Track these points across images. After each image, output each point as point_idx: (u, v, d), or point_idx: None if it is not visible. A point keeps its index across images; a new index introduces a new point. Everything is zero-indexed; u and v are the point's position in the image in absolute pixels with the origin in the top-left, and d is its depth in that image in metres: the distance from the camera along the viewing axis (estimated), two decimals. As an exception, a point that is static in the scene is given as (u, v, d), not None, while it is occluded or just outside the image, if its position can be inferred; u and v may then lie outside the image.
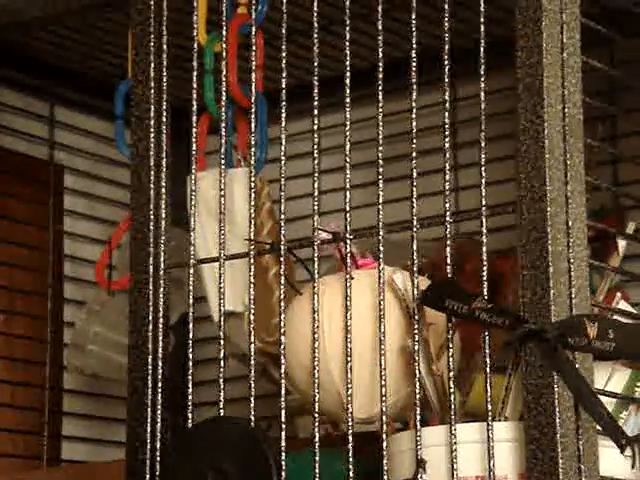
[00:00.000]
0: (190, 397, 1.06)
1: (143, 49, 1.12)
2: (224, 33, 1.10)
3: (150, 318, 1.08)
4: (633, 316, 1.01)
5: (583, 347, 0.93)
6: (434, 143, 1.07)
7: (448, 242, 0.98)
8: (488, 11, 1.10)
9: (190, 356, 1.07)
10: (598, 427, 0.92)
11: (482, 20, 0.99)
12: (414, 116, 1.02)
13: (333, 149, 1.41)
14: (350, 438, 0.99)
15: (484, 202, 0.98)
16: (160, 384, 1.07)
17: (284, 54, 1.08)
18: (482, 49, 0.99)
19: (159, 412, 1.07)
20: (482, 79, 0.99)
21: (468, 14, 1.05)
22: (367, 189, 1.20)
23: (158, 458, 1.06)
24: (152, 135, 1.11)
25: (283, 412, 1.02)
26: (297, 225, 1.26)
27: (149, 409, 1.06)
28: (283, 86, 1.07)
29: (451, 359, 0.97)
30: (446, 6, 1.01)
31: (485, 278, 0.96)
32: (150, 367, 1.07)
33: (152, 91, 1.11)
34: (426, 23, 1.20)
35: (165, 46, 1.12)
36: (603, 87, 1.21)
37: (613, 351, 0.94)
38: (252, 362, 1.05)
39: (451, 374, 0.96)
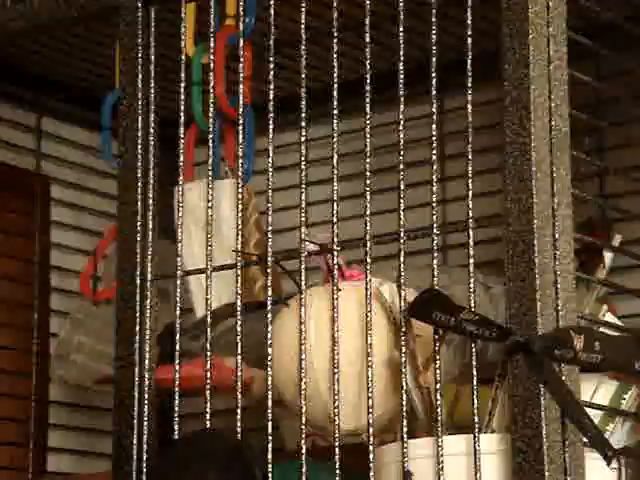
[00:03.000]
0: (177, 409, 1.06)
1: (131, 61, 1.12)
2: (212, 45, 1.11)
3: (137, 329, 1.08)
4: (619, 328, 1.01)
5: (569, 359, 0.93)
6: (422, 155, 1.07)
7: (435, 254, 0.98)
8: (476, 24, 1.11)
9: (177, 367, 1.07)
10: (585, 439, 0.92)
11: (469, 33, 1.00)
12: (402, 128, 1.02)
13: (321, 161, 1.41)
14: (337, 450, 0.99)
15: (471, 214, 0.98)
16: (147, 395, 1.07)
17: (272, 66, 1.08)
18: (469, 62, 0.99)
19: (145, 424, 1.06)
20: (469, 92, 0.99)
21: (456, 27, 1.05)
22: (355, 201, 1.20)
23: (144, 470, 1.06)
24: (139, 146, 1.11)
25: (270, 424, 1.02)
26: (284, 237, 1.26)
27: (135, 420, 1.06)
28: (271, 98, 1.07)
29: (438, 371, 0.97)
30: (433, 19, 1.01)
31: (472, 289, 0.96)
32: (137, 378, 1.07)
33: (139, 102, 1.11)
34: (414, 36, 1.20)
35: (152, 57, 1.12)
36: (590, 100, 1.22)
37: (599, 363, 0.94)
38: (239, 374, 1.05)
39: (438, 386, 0.96)
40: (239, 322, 1.05)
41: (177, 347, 1.07)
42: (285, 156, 1.35)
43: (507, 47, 0.96)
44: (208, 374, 1.05)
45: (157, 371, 1.07)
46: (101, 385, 1.32)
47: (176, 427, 1.06)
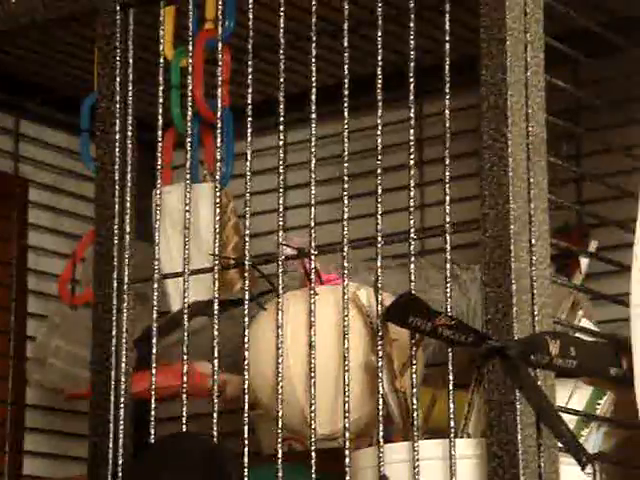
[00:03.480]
0: (153, 412, 1.06)
1: (108, 64, 1.12)
2: (190, 48, 1.10)
3: (114, 333, 1.08)
4: (595, 334, 1.02)
5: (545, 364, 0.93)
6: (401, 159, 1.07)
7: (412, 259, 0.99)
8: (455, 29, 1.11)
9: (153, 370, 1.06)
10: (559, 444, 0.92)
11: (447, 38, 1.00)
12: (379, 133, 1.02)
13: (299, 165, 1.41)
14: (313, 454, 0.99)
15: (448, 219, 0.98)
16: (123, 399, 1.07)
17: (250, 70, 1.08)
18: (447, 67, 0.99)
19: (121, 428, 1.06)
20: (447, 97, 0.99)
21: (435, 32, 1.06)
22: (333, 205, 1.20)
23: (120, 474, 1.05)
24: (117, 149, 1.11)
25: (246, 428, 1.02)
26: (262, 240, 1.26)
27: (111, 424, 1.06)
28: (249, 101, 1.07)
29: (414, 375, 0.97)
30: (411, 24, 1.01)
31: (449, 294, 0.96)
32: (113, 382, 1.07)
33: (117, 105, 1.11)
34: (392, 40, 1.20)
35: (131, 61, 1.12)
36: (568, 106, 1.22)
37: (575, 368, 0.95)
38: (216, 377, 1.04)
39: (414, 390, 0.96)
40: (215, 325, 1.05)
41: (154, 350, 1.07)
42: (263, 160, 1.35)
43: (484, 53, 0.96)
44: (184, 378, 1.04)
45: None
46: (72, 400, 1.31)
47: (152, 431, 1.05)
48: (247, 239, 1.06)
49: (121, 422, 1.06)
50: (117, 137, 1.11)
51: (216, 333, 1.05)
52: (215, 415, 1.03)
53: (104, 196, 1.11)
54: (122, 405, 1.06)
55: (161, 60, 1.11)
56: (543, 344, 0.93)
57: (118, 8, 1.12)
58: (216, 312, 1.05)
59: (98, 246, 1.10)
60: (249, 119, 1.07)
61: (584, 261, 1.04)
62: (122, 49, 1.12)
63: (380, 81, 1.02)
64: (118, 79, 1.11)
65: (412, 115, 1.01)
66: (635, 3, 1.13)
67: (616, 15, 1.20)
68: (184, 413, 1.05)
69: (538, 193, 0.96)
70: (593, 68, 1.16)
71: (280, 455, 1.00)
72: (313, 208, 1.04)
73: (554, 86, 1.01)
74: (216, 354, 1.05)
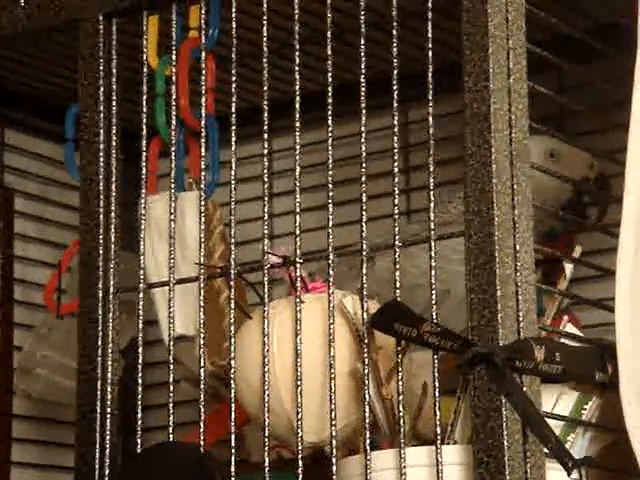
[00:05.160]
0: (139, 422, 1.06)
1: (92, 73, 1.12)
2: (174, 57, 1.10)
3: (99, 343, 1.08)
4: (580, 339, 1.02)
5: (531, 370, 0.93)
6: (387, 166, 1.08)
7: (397, 266, 0.99)
8: (439, 36, 1.11)
9: (140, 380, 1.06)
10: (546, 450, 0.93)
11: (430, 46, 1.00)
12: (363, 140, 1.02)
13: (284, 172, 1.41)
14: (300, 462, 0.99)
15: (433, 226, 0.98)
16: (109, 409, 1.06)
17: (235, 78, 1.08)
18: (430, 73, 1.00)
19: (108, 437, 1.06)
20: (430, 104, 0.99)
21: (419, 39, 1.06)
22: (319, 212, 1.20)
23: (107, 484, 1.05)
24: (101, 159, 1.11)
25: (233, 436, 1.02)
26: (249, 248, 1.26)
27: (98, 434, 1.06)
28: (234, 110, 1.07)
29: (400, 383, 0.97)
30: (394, 32, 1.01)
31: (435, 301, 0.96)
32: (99, 392, 1.06)
33: (101, 115, 1.11)
34: (377, 47, 1.20)
35: (114, 70, 1.12)
36: (552, 111, 1.23)
37: (560, 374, 0.95)
38: (202, 386, 1.04)
39: (400, 398, 0.96)
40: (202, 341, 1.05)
41: (140, 360, 1.07)
42: (249, 168, 1.35)
43: (467, 60, 0.97)
44: (170, 393, 1.05)
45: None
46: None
47: (139, 440, 1.05)
48: (233, 247, 1.06)
49: (108, 432, 1.06)
50: (101, 147, 1.11)
51: (203, 342, 1.05)
52: (202, 424, 1.03)
53: (89, 206, 1.11)
54: (108, 415, 1.06)
55: (145, 69, 1.11)
56: (528, 350, 0.93)
57: (101, 18, 1.12)
58: (202, 322, 1.05)
59: (83, 256, 1.10)
60: (233, 127, 1.07)
61: (568, 266, 1.04)
62: (105, 59, 1.12)
63: (364, 88, 1.02)
64: (102, 89, 1.11)
65: (396, 122, 1.01)
66: (617, 9, 1.14)
67: (599, 21, 1.21)
68: (171, 422, 1.05)
69: (522, 199, 0.97)
70: (576, 74, 1.16)
71: (268, 463, 1.00)
72: (298, 216, 1.04)
73: (537, 92, 1.01)
74: (203, 363, 1.05)
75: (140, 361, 1.07)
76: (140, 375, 1.06)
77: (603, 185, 1.19)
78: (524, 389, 0.93)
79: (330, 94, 1.03)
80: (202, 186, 1.09)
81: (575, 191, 1.19)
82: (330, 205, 1.03)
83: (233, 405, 1.03)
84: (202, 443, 1.03)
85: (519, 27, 0.98)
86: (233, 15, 1.08)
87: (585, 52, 1.12)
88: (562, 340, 1.00)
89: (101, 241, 1.09)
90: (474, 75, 0.96)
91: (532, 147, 0.99)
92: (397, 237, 1.00)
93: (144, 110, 1.11)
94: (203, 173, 1.09)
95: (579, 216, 1.19)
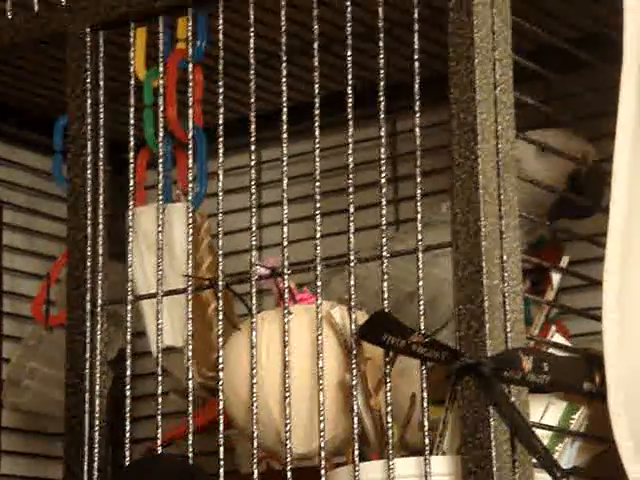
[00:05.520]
0: (128, 434, 1.05)
1: (79, 86, 1.12)
2: (161, 69, 1.11)
3: (87, 355, 1.07)
4: (567, 349, 1.02)
5: (518, 380, 0.93)
6: (374, 177, 1.08)
7: (386, 277, 0.99)
8: (426, 46, 1.12)
9: (128, 392, 1.06)
10: (534, 460, 0.93)
11: (416, 57, 1.00)
12: (351, 150, 1.02)
13: (272, 183, 1.41)
14: (289, 474, 0.99)
15: (420, 237, 0.98)
16: (97, 421, 1.06)
17: (222, 89, 1.08)
18: (417, 84, 1.00)
19: (96, 450, 1.06)
20: (417, 114, 1.00)
21: (407, 49, 1.06)
22: (306, 223, 1.20)
23: (95, 496, 1.05)
24: (89, 171, 1.11)
25: (222, 448, 1.02)
26: (236, 259, 1.26)
27: (86, 447, 1.06)
28: (221, 121, 1.08)
29: (389, 393, 0.97)
30: (381, 42, 1.02)
31: (422, 312, 0.96)
32: (87, 405, 1.06)
33: (89, 127, 1.11)
34: (364, 58, 1.21)
35: (102, 82, 1.12)
36: (539, 121, 1.23)
37: (548, 384, 0.95)
38: (190, 398, 1.04)
39: (389, 408, 0.96)
40: (189, 355, 1.05)
41: (128, 371, 1.07)
42: (236, 179, 1.35)
43: (453, 71, 0.97)
44: (158, 405, 1.04)
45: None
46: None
47: (127, 453, 1.05)
48: (220, 259, 1.06)
49: (96, 444, 1.06)
50: (89, 158, 1.11)
51: (191, 353, 1.05)
52: (190, 436, 1.03)
53: (76, 218, 1.10)
54: (97, 427, 1.06)
55: (132, 81, 1.11)
56: (516, 360, 0.93)
57: (88, 30, 1.12)
58: (191, 333, 1.05)
59: (71, 268, 1.10)
60: (220, 138, 1.07)
61: (555, 277, 1.04)
62: (93, 71, 1.12)
63: (351, 99, 1.02)
64: (89, 101, 1.11)
65: (383, 133, 1.02)
66: (602, 20, 1.14)
67: (584, 32, 1.21)
68: (159, 434, 1.05)
69: (509, 210, 0.97)
70: (562, 84, 1.16)
71: (257, 474, 1.00)
72: (286, 227, 1.04)
73: (524, 102, 1.01)
74: (191, 375, 1.05)
75: (128, 373, 1.07)
76: (128, 387, 1.06)
77: (596, 175, 1.16)
78: (512, 399, 0.93)
79: (317, 105, 1.03)
80: (190, 197, 1.09)
81: (568, 184, 1.17)
82: (318, 216, 1.03)
83: (221, 417, 1.03)
84: (191, 455, 1.02)
85: (505, 38, 0.98)
86: (220, 27, 1.09)
87: (571, 62, 1.12)
88: (550, 350, 1.00)
89: (89, 253, 1.09)
90: (460, 86, 0.96)
91: (520, 143, 0.99)
92: (385, 248, 1.00)
93: (132, 122, 1.11)
94: (191, 184, 1.09)
95: (585, 197, 1.16)
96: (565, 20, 1.19)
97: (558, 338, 1.02)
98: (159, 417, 1.05)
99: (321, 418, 0.99)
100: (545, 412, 1.00)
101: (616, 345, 0.96)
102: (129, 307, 1.08)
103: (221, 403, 1.03)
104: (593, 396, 0.98)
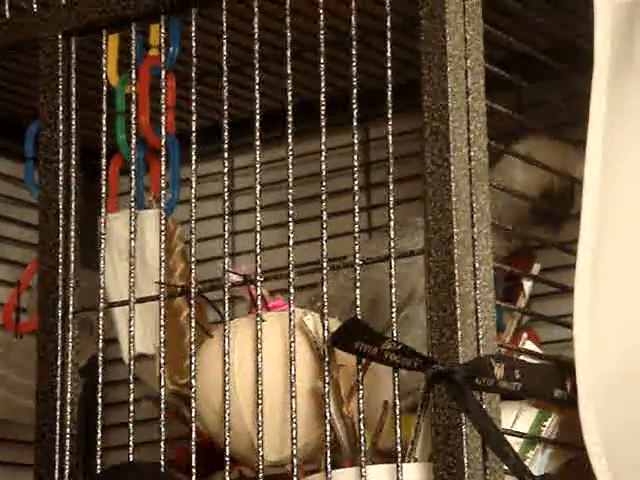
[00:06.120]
0: (99, 441, 1.05)
1: (51, 92, 1.11)
2: (133, 76, 1.10)
3: (58, 363, 1.07)
4: (539, 356, 1.03)
5: (490, 387, 0.94)
6: (347, 184, 1.08)
7: (358, 284, 0.99)
8: (399, 54, 1.12)
9: (100, 399, 1.06)
10: (505, 467, 0.93)
11: (389, 64, 1.00)
12: (324, 158, 1.03)
13: (245, 190, 1.41)
14: (261, 481, 0.99)
15: (393, 244, 0.98)
16: (68, 430, 1.06)
17: (195, 96, 1.08)
18: (390, 92, 1.00)
19: (67, 458, 1.05)
20: (390, 121, 1.00)
21: (380, 57, 1.06)
22: (280, 230, 1.20)
23: (66, 504, 1.05)
24: (61, 177, 1.10)
25: (194, 456, 1.02)
26: (209, 267, 1.25)
27: (57, 455, 1.05)
28: (194, 127, 1.07)
29: (361, 401, 0.97)
30: (354, 50, 1.02)
31: (395, 319, 0.96)
32: (58, 412, 1.06)
33: (61, 133, 1.11)
34: (337, 65, 1.21)
35: (74, 89, 1.12)
36: (512, 129, 1.23)
37: (519, 391, 0.95)
38: (162, 405, 1.04)
39: (361, 415, 0.97)
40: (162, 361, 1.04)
41: (100, 379, 1.06)
42: (210, 185, 1.35)
43: (426, 79, 0.97)
44: (130, 412, 1.04)
45: None
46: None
47: (99, 460, 1.05)
48: (193, 266, 1.06)
49: (67, 452, 1.05)
50: (61, 165, 1.11)
51: (163, 360, 1.05)
52: (162, 443, 1.03)
53: (48, 224, 1.10)
54: (68, 435, 1.06)
55: (104, 87, 1.11)
56: (488, 367, 0.93)
57: (60, 37, 1.12)
58: (163, 340, 1.05)
59: (42, 275, 1.09)
60: (194, 145, 1.07)
61: (527, 284, 1.04)
62: (65, 77, 1.12)
63: (324, 106, 1.02)
64: (61, 107, 1.11)
65: (356, 140, 1.02)
66: (574, 29, 1.15)
67: (556, 40, 1.22)
68: (131, 442, 1.04)
69: (481, 217, 0.97)
70: (534, 92, 1.17)
71: (229, 482, 1.00)
72: (259, 234, 1.04)
73: (496, 110, 1.02)
74: (163, 382, 1.05)
75: (100, 380, 1.06)
76: (100, 394, 1.06)
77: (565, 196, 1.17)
78: (484, 406, 0.93)
79: (290, 112, 1.03)
80: (162, 204, 1.09)
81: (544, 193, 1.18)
82: (291, 223, 1.03)
83: (194, 424, 1.02)
84: (163, 462, 1.02)
85: (477, 46, 0.98)
86: (193, 33, 1.08)
87: (542, 71, 1.13)
88: (521, 357, 1.00)
89: (60, 260, 1.09)
90: (433, 94, 0.97)
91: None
92: (357, 255, 1.00)
93: (104, 128, 1.11)
94: (163, 191, 1.09)
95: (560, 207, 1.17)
96: (536, 29, 1.20)
97: (530, 345, 1.03)
98: (131, 425, 1.04)
99: (293, 425, 0.99)
100: (516, 419, 1.01)
101: (587, 352, 0.96)
102: (101, 314, 1.08)
103: (193, 410, 1.03)
104: (564, 403, 0.98)
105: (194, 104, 1.07)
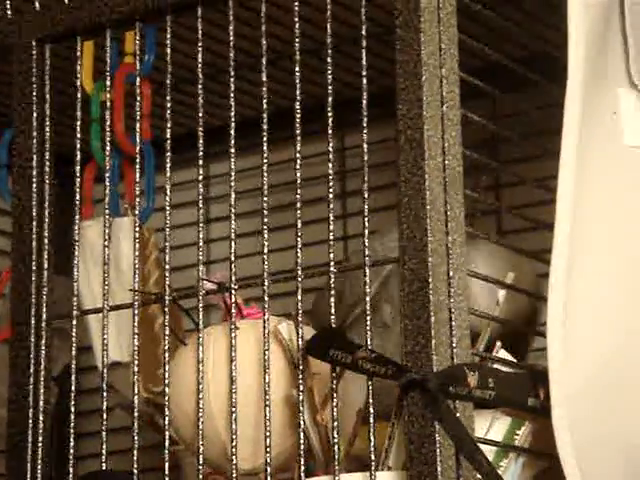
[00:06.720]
0: (72, 450, 1.04)
1: (25, 99, 1.11)
2: (108, 83, 1.10)
3: (31, 371, 1.06)
4: (513, 365, 1.03)
5: (464, 396, 0.94)
6: (324, 192, 1.08)
7: (332, 292, 0.99)
8: (374, 62, 1.12)
9: (73, 408, 1.05)
10: (479, 475, 0.93)
11: (364, 73, 1.01)
12: (299, 166, 1.03)
13: (220, 198, 1.41)
14: (234, 490, 0.99)
15: (368, 252, 0.99)
16: (41, 438, 1.05)
17: (170, 103, 1.08)
18: (365, 100, 1.00)
19: (39, 467, 1.05)
20: (365, 130, 1.00)
21: (355, 65, 1.07)
22: (254, 238, 1.20)
23: (39, 514, 1.04)
24: (34, 185, 1.10)
25: (167, 464, 1.01)
26: (184, 274, 1.25)
27: (29, 464, 1.04)
28: (169, 135, 1.07)
29: (335, 409, 0.97)
30: (329, 59, 1.02)
31: (369, 328, 0.97)
32: (31, 421, 1.05)
33: (35, 140, 1.10)
34: (312, 73, 1.21)
35: (48, 96, 1.12)
36: (486, 138, 1.24)
37: (493, 399, 0.95)
38: (136, 414, 1.04)
39: (335, 424, 0.96)
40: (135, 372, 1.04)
41: (73, 387, 1.06)
42: (184, 193, 1.35)
43: (401, 87, 0.97)
44: (104, 420, 1.04)
45: None
46: None
47: (71, 469, 1.04)
48: (167, 273, 1.06)
49: (39, 461, 1.05)
50: (34, 172, 1.10)
51: (137, 368, 1.05)
52: (135, 452, 1.03)
53: (21, 232, 1.09)
54: (40, 444, 1.05)
55: (79, 94, 1.11)
56: (462, 376, 0.93)
57: (34, 43, 1.12)
58: (137, 348, 1.05)
59: (15, 283, 1.09)
60: (168, 153, 1.07)
61: (501, 292, 1.05)
62: (39, 84, 1.11)
63: (299, 114, 1.02)
64: (35, 114, 1.11)
65: (331, 148, 1.02)
66: (549, 40, 1.15)
67: (530, 50, 1.22)
68: (104, 450, 1.04)
69: (455, 226, 0.97)
70: (511, 101, 1.17)
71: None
72: (234, 242, 1.04)
73: (472, 119, 1.02)
74: (137, 390, 1.04)
75: (73, 388, 1.06)
76: (74, 402, 1.05)
77: None
78: (457, 415, 0.93)
79: (265, 120, 1.03)
80: (137, 211, 1.09)
81: None
82: (266, 231, 1.03)
83: (167, 432, 1.02)
84: (136, 471, 1.02)
85: (452, 55, 0.99)
86: (168, 41, 1.08)
87: (518, 81, 1.13)
88: (495, 366, 1.01)
89: (34, 268, 1.08)
90: (408, 102, 0.97)
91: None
92: (332, 262, 1.00)
93: (79, 135, 1.10)
94: (138, 198, 1.09)
95: None
96: (513, 39, 1.20)
97: (503, 354, 1.03)
98: (104, 433, 1.04)
99: (267, 434, 0.98)
100: (490, 428, 1.01)
101: (560, 361, 0.96)
102: (74, 322, 1.08)
103: (167, 418, 1.03)
104: (537, 412, 0.98)
105: (169, 111, 1.07)
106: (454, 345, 0.95)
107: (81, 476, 1.05)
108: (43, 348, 1.07)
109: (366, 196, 1.00)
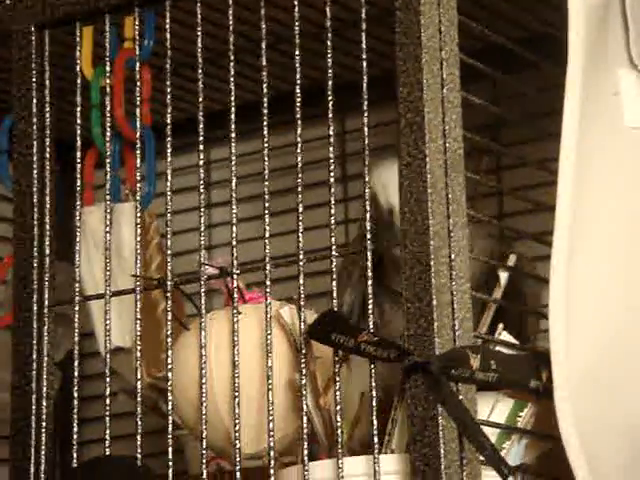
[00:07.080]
0: (76, 435, 1.05)
1: (25, 85, 1.11)
2: (108, 68, 1.10)
3: (34, 357, 1.07)
4: (515, 347, 1.03)
5: (466, 378, 0.94)
6: (323, 176, 1.08)
7: (334, 275, 0.99)
8: (374, 45, 1.11)
9: (76, 393, 1.06)
10: (482, 457, 0.93)
11: (364, 56, 1.00)
12: (300, 150, 1.02)
13: (221, 183, 1.41)
14: (238, 474, 0.99)
15: (369, 236, 0.99)
16: (44, 424, 1.05)
17: (170, 88, 1.08)
18: (365, 83, 1.00)
19: (43, 452, 1.05)
20: (365, 113, 1.00)
21: (355, 48, 1.06)
22: (256, 222, 1.20)
23: (43, 499, 1.04)
24: (35, 171, 1.10)
25: (170, 449, 1.01)
26: (186, 259, 1.25)
27: (33, 449, 1.05)
28: (169, 120, 1.07)
29: (338, 392, 0.97)
30: (329, 42, 1.02)
31: (371, 311, 0.97)
32: (34, 407, 1.05)
33: (35, 126, 1.10)
34: (313, 57, 1.21)
35: (48, 81, 1.11)
36: (488, 121, 1.24)
37: (495, 382, 0.96)
38: (139, 399, 1.04)
39: (338, 407, 0.97)
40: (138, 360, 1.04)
41: (76, 372, 1.06)
42: (185, 178, 1.35)
43: (401, 70, 0.97)
44: (107, 406, 1.04)
45: None
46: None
47: (75, 454, 1.04)
48: (169, 259, 1.06)
49: (43, 446, 1.05)
50: (35, 158, 1.10)
51: (140, 353, 1.05)
52: (139, 437, 1.03)
53: (23, 218, 1.09)
54: (44, 429, 1.05)
55: (78, 80, 1.10)
56: (464, 358, 0.93)
57: (33, 29, 1.11)
58: (139, 333, 1.05)
59: (17, 269, 1.09)
60: (169, 138, 1.07)
61: (503, 275, 1.05)
62: (38, 70, 1.11)
63: (300, 98, 1.02)
64: (35, 100, 1.10)
65: (332, 132, 1.02)
66: (548, 21, 1.15)
67: (531, 31, 1.22)
68: (107, 435, 1.04)
69: (457, 208, 0.97)
70: (510, 84, 1.17)
71: (207, 475, 1.00)
72: (235, 227, 1.04)
73: (472, 102, 1.02)
74: (140, 375, 1.05)
75: (77, 374, 1.06)
76: (77, 388, 1.06)
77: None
78: (460, 397, 0.94)
79: (266, 104, 1.03)
80: (138, 197, 1.09)
81: None
82: (267, 215, 1.03)
83: (170, 417, 1.02)
84: (140, 456, 1.02)
85: (452, 38, 0.98)
86: (167, 25, 1.08)
87: (518, 62, 1.13)
88: (497, 348, 1.01)
89: (36, 254, 1.08)
90: (408, 85, 0.97)
91: None
92: (334, 246, 1.00)
93: (79, 121, 1.10)
94: (139, 184, 1.09)
95: None
96: (512, 20, 1.20)
97: (506, 336, 1.03)
98: (107, 418, 1.04)
99: (270, 418, 0.99)
100: (493, 410, 1.01)
101: (562, 342, 0.97)
102: (77, 308, 1.08)
103: (170, 403, 1.03)
104: (540, 394, 0.98)
105: (169, 96, 1.07)
106: (456, 328, 0.95)
107: (85, 461, 1.05)
108: (46, 334, 1.07)
109: (367, 179, 1.00)
